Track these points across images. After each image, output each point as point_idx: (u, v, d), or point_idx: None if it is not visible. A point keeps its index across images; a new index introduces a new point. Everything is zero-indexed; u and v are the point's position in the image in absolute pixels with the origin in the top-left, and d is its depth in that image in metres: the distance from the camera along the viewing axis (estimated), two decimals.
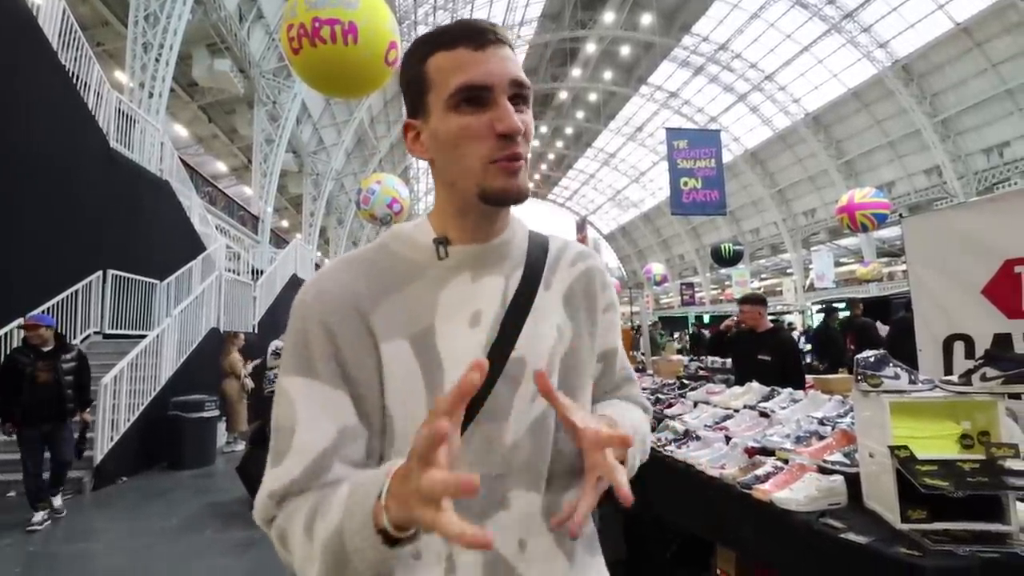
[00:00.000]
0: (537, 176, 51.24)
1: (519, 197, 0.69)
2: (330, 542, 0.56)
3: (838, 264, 27.34)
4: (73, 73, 7.47)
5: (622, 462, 0.70)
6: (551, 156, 45.95)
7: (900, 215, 3.26)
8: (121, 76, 12.17)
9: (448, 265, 0.72)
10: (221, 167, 24.97)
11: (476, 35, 0.67)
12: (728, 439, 2.16)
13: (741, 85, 28.11)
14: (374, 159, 27.83)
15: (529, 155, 0.71)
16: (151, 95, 10.79)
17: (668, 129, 9.47)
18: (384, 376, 0.67)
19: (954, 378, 1.46)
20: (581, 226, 23.80)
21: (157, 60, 10.89)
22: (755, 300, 3.94)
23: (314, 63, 5.50)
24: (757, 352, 3.59)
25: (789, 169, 29.24)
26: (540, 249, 0.79)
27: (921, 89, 21.28)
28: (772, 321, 4.03)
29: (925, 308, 2.69)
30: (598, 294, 0.82)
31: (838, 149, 25.96)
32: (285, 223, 28.68)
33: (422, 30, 24.80)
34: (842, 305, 10.46)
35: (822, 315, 9.49)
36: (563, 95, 35.63)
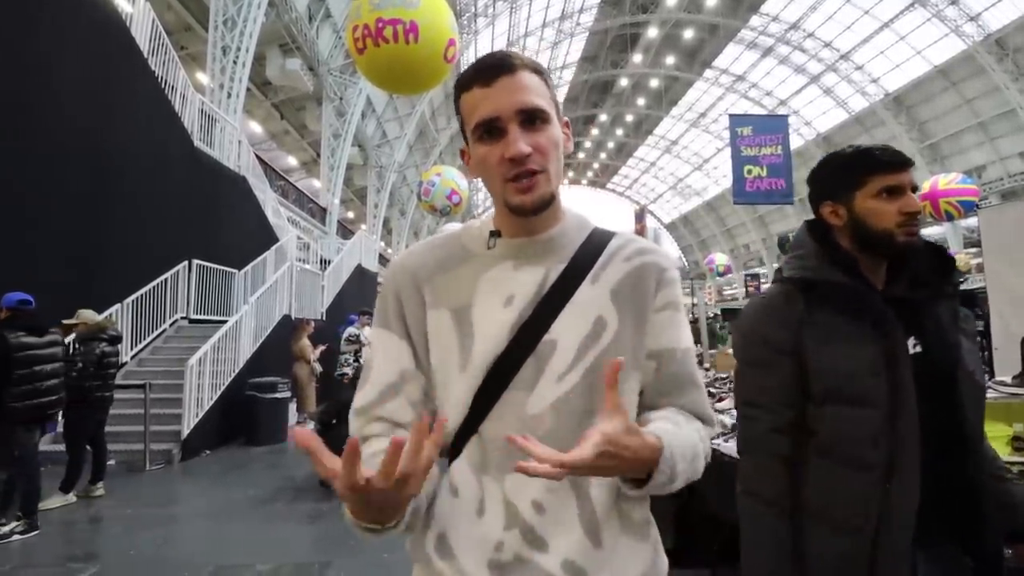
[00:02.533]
0: (596, 165, 50.53)
1: (534, 209, 0.79)
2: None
3: None
4: (160, 77, 8.09)
5: (639, 481, 0.72)
6: (611, 144, 45.18)
7: (976, 205, 3.05)
8: (202, 78, 13.00)
9: (494, 254, 0.84)
10: (292, 161, 26.20)
11: (485, 73, 0.78)
12: None
13: (813, 66, 26.56)
14: (435, 151, 28.35)
15: (553, 163, 0.79)
16: (229, 95, 11.48)
17: (732, 116, 9.15)
18: (429, 337, 0.83)
19: (1008, 379, 1.40)
20: (640, 215, 23.26)
21: (235, 62, 11.55)
22: None
23: (378, 62, 5.70)
24: None
25: None
26: (597, 245, 0.86)
27: (1017, 65, 19.40)
28: None
29: (1001, 304, 2.52)
30: (651, 292, 0.84)
31: (921, 131, 24.11)
32: (351, 214, 29.78)
33: (482, 23, 24.94)
34: None
35: None
36: (623, 82, 34.87)
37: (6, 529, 3.77)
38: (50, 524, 4.13)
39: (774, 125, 9.09)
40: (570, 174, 52.94)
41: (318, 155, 19.26)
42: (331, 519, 4.20)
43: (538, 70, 0.81)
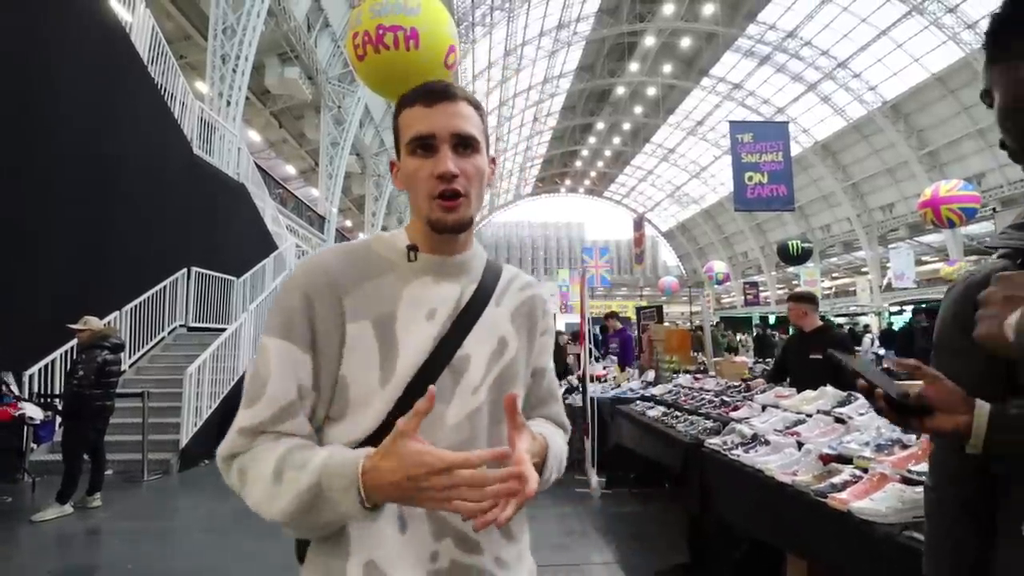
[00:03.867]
0: (593, 173, 50.69)
1: (454, 228, 0.84)
2: (306, 493, 0.70)
3: (919, 262, 25.50)
4: (161, 85, 8.07)
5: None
6: (607, 153, 45.35)
7: (993, 209, 3.00)
8: (202, 86, 12.99)
9: (415, 267, 0.86)
10: (291, 170, 26.20)
11: (429, 95, 0.84)
12: (800, 445, 2.08)
13: (811, 74, 26.75)
14: None
15: (475, 188, 0.85)
16: (228, 103, 11.47)
17: (732, 123, 9.17)
18: (345, 349, 0.80)
19: None
20: (639, 224, 23.36)
21: (234, 70, 11.55)
22: (799, 298, 3.85)
23: (378, 69, 5.69)
24: (808, 352, 3.44)
25: (864, 161, 27.54)
26: (494, 273, 0.94)
27: None
28: (821, 320, 3.85)
29: None
30: (539, 319, 0.96)
31: (919, 139, 24.23)
32: (349, 223, 29.75)
33: (480, 32, 25.08)
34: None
35: (908, 315, 8.89)
36: (620, 90, 35.06)
37: None
38: (46, 536, 4.04)
39: (775, 132, 9.11)
40: (567, 182, 53.09)
41: (316, 164, 19.26)
42: None
43: (476, 105, 0.88)
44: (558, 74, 33.16)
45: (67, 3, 6.39)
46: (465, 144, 0.84)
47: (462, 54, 23.02)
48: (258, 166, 12.10)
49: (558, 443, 0.92)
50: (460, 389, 0.83)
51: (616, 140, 42.62)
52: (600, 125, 40.21)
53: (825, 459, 1.89)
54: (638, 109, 36.84)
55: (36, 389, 5.75)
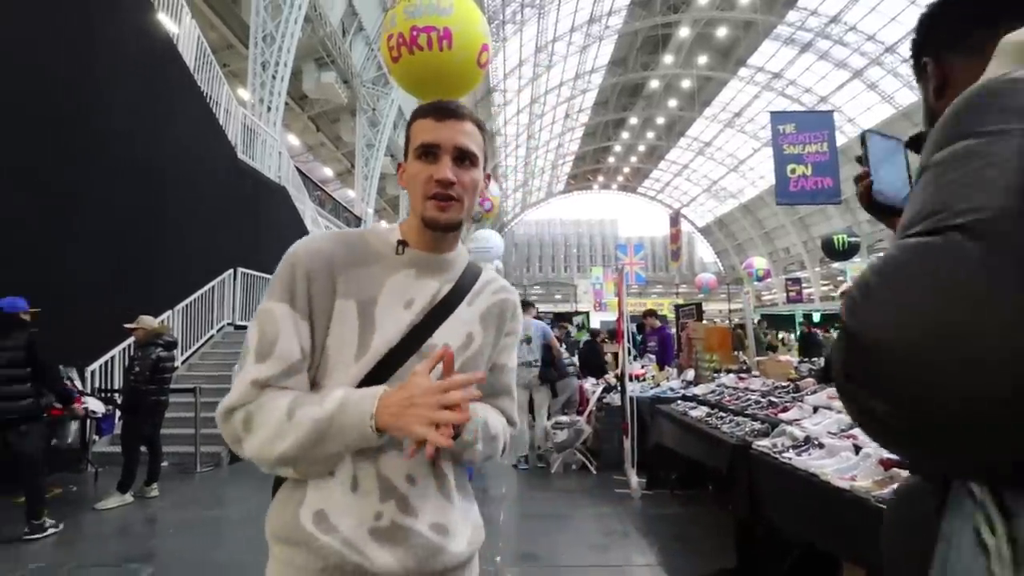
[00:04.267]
0: (627, 169, 50.08)
1: (446, 227, 0.95)
2: (319, 423, 0.82)
3: None
4: (206, 93, 8.36)
5: (456, 435, 0.88)
6: (641, 148, 44.74)
7: None
8: (243, 93, 13.41)
9: (401, 260, 0.96)
10: (328, 172, 26.79)
11: (441, 112, 0.95)
12: (858, 448, 2.01)
13: (856, 60, 25.77)
14: None
15: (469, 198, 0.96)
16: (269, 109, 11.79)
17: (773, 113, 8.89)
18: (332, 322, 0.90)
19: None
20: (675, 219, 22.90)
21: (274, 76, 11.87)
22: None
23: (412, 70, 5.75)
24: None
25: None
26: (473, 275, 1.03)
27: None
28: None
29: None
30: (507, 321, 1.06)
31: None
32: (384, 223, 30.20)
33: (510, 29, 25.07)
34: None
35: None
36: (654, 84, 34.52)
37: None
38: (108, 523, 4.25)
39: (819, 122, 8.80)
40: (600, 178, 52.59)
41: (352, 166, 19.62)
42: None
43: (480, 126, 0.99)
44: (590, 69, 32.87)
45: (120, 18, 6.68)
46: (464, 157, 0.95)
47: (493, 52, 23.06)
48: (297, 169, 12.42)
49: (493, 421, 1.00)
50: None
51: (650, 135, 41.98)
52: (633, 120, 39.69)
53: (887, 464, 1.82)
54: (672, 102, 36.20)
55: (97, 384, 6.06)
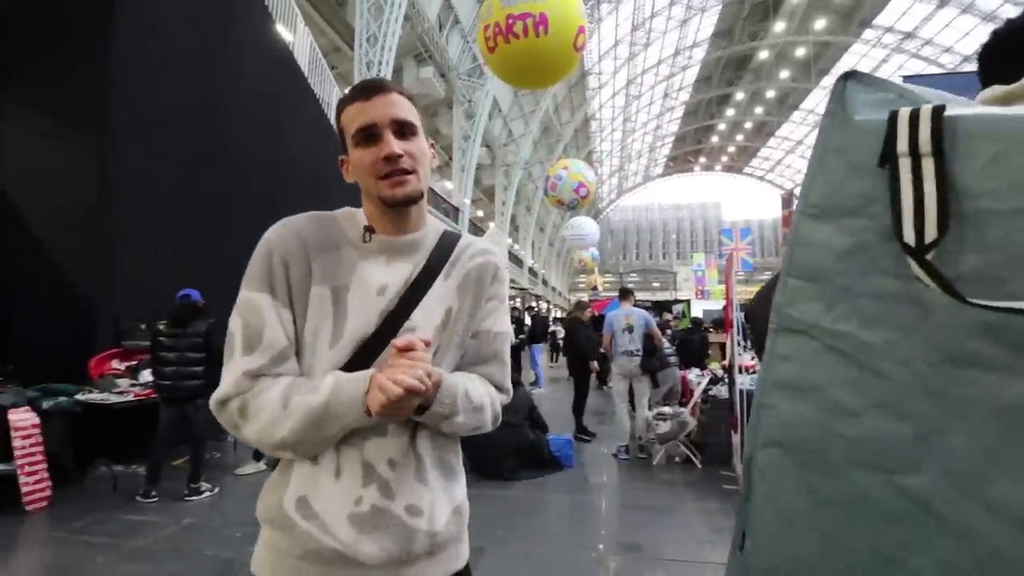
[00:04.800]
0: (732, 149, 47.18)
1: (405, 201, 0.92)
2: (314, 411, 0.83)
3: None
4: (319, 95, 8.98)
5: (423, 408, 0.88)
6: (748, 125, 41.95)
7: None
8: None
9: (370, 247, 0.95)
10: None
11: (366, 91, 0.93)
12: None
13: (1009, 10, 22.27)
14: (559, 146, 28.40)
15: (422, 168, 0.94)
16: None
17: (906, 77, 7.93)
18: (309, 309, 0.89)
19: None
20: (788, 200, 21.19)
21: (378, 76, 12.50)
22: None
23: (509, 58, 5.78)
24: None
25: None
26: (447, 246, 1.00)
27: None
28: None
29: None
30: (487, 285, 1.02)
31: None
32: (480, 213, 30.95)
33: (605, 9, 24.41)
34: None
35: None
36: (763, 55, 32.11)
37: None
38: (247, 487, 4.77)
39: (962, 83, 7.72)
40: (701, 159, 50.02)
41: (450, 158, 20.22)
42: (482, 505, 4.34)
43: (409, 96, 0.96)
44: (691, 44, 31.25)
45: (243, 31, 7.33)
46: (405, 129, 0.93)
47: (588, 33, 22.57)
48: None
49: (476, 390, 0.96)
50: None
51: (758, 110, 39.22)
52: (739, 95, 37.28)
53: None
54: (784, 73, 33.52)
55: None
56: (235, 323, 0.89)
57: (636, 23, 27.66)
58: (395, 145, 0.90)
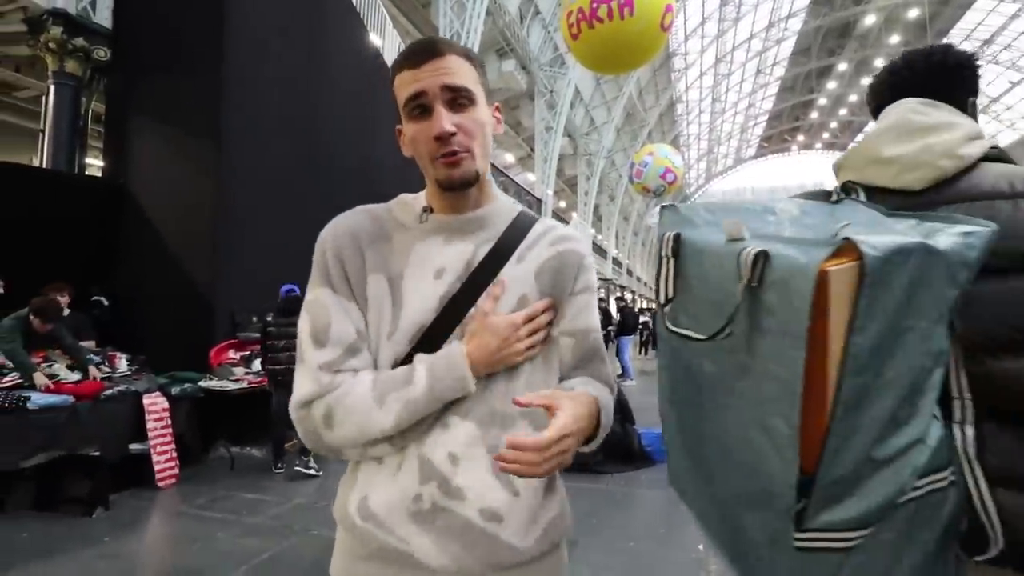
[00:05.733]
0: (834, 124, 43.57)
1: (461, 184, 0.84)
2: (414, 404, 0.79)
3: None
4: None
5: (588, 439, 0.84)
6: (853, 98, 38.46)
7: None
8: None
9: (426, 228, 0.88)
10: (509, 158, 28.04)
11: (416, 56, 0.83)
12: None
13: None
14: (643, 132, 27.58)
15: (479, 143, 0.85)
16: None
17: None
18: (368, 300, 0.85)
19: None
20: None
21: None
22: None
23: (593, 44, 5.62)
24: None
25: None
26: (522, 227, 0.91)
27: None
28: None
29: None
30: (571, 276, 0.91)
31: None
32: (562, 204, 30.77)
33: None
34: None
35: None
36: (870, 20, 29.27)
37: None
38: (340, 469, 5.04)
39: None
40: (799, 138, 46.59)
41: (532, 150, 20.24)
42: (572, 497, 4.30)
43: (468, 56, 0.85)
44: (786, 15, 29.09)
45: (338, 40, 7.69)
46: (460, 97, 0.83)
47: (675, 9, 21.67)
48: None
49: (603, 396, 0.90)
50: None
51: (864, 81, 35.74)
52: (842, 66, 34.29)
53: None
54: (894, 39, 30.34)
55: None
56: (303, 323, 0.85)
57: None
58: (446, 121, 0.81)
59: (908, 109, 0.93)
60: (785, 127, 44.61)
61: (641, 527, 3.70)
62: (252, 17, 6.03)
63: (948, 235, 0.71)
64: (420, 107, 0.82)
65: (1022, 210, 0.79)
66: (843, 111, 40.76)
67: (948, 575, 0.80)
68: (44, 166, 6.24)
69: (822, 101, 39.82)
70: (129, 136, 6.08)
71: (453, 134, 0.81)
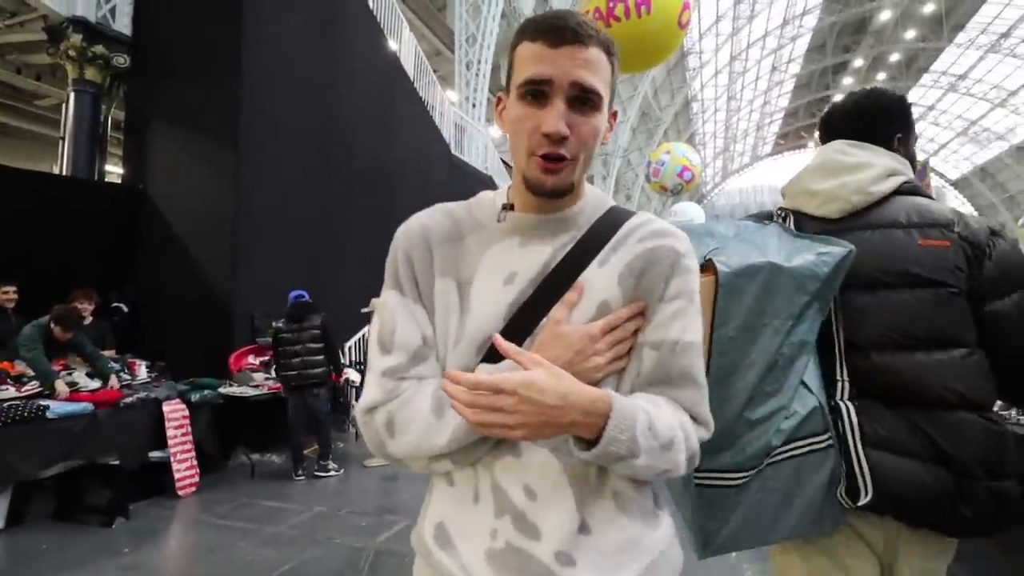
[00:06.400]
0: None
1: (552, 193, 0.75)
2: None
3: None
4: (424, 98, 9.25)
5: (588, 443, 0.66)
6: None
7: None
8: (451, 94, 14.62)
9: (503, 228, 0.79)
10: None
11: (556, 33, 0.71)
12: None
13: None
14: (659, 130, 27.36)
15: (585, 154, 0.74)
16: (474, 105, 12.68)
17: None
18: (436, 304, 0.79)
19: None
20: (922, 171, 18.87)
21: (477, 74, 12.70)
22: None
23: None
24: None
25: None
26: (610, 224, 0.79)
27: None
28: None
29: None
30: (663, 277, 0.76)
31: None
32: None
33: None
34: None
35: None
36: (885, 15, 28.74)
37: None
38: (372, 478, 4.96)
39: None
40: (816, 135, 46.04)
41: None
42: None
43: (609, 50, 0.74)
44: (801, 12, 28.69)
45: (355, 43, 7.67)
46: (585, 99, 0.72)
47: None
48: (501, 159, 13.15)
49: (664, 420, 0.69)
50: None
51: (880, 76, 35.20)
52: (858, 62, 33.73)
53: None
54: (910, 33, 29.76)
55: (353, 358, 7.13)
56: (373, 326, 0.82)
57: None
58: (561, 122, 0.70)
59: (834, 150, 1.15)
60: (801, 124, 44.04)
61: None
62: (270, 23, 6.01)
63: (807, 254, 0.95)
64: (538, 92, 0.72)
65: (913, 238, 1.02)
66: None
67: (834, 516, 1.03)
68: (64, 174, 6.26)
69: (838, 97, 39.01)
70: (148, 142, 6.10)
71: (565, 138, 0.71)
